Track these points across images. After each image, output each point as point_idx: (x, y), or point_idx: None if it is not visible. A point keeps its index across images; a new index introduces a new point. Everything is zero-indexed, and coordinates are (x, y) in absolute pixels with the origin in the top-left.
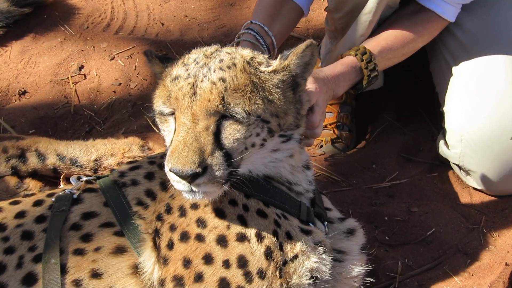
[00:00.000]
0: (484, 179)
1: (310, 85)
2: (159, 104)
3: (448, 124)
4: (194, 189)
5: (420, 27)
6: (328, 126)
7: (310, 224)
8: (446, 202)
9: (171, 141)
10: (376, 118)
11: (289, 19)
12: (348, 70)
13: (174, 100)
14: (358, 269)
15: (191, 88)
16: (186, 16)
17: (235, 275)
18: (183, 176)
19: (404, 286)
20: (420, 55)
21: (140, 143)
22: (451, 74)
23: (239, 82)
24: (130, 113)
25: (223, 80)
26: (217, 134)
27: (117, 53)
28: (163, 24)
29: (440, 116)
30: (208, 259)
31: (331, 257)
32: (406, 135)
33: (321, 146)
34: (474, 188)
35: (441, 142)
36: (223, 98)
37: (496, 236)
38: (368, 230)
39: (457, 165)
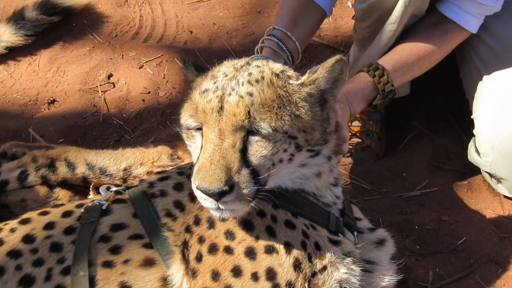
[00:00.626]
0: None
1: None
2: (186, 117)
3: (479, 131)
4: (221, 206)
5: (438, 39)
6: (357, 134)
7: (339, 234)
8: (477, 211)
9: (198, 157)
10: (405, 126)
11: (312, 22)
12: (360, 86)
13: (201, 113)
14: (388, 279)
15: (219, 102)
16: (215, 23)
17: (263, 287)
18: (210, 194)
19: None
20: (449, 62)
21: (169, 152)
22: (482, 82)
23: (266, 96)
24: (159, 122)
25: (250, 94)
26: (243, 151)
27: (146, 62)
28: (191, 32)
29: (470, 124)
30: (236, 271)
31: (361, 268)
32: (436, 143)
33: (351, 154)
34: (505, 196)
35: (472, 150)
36: (249, 112)
37: None
38: (398, 239)
39: (488, 173)
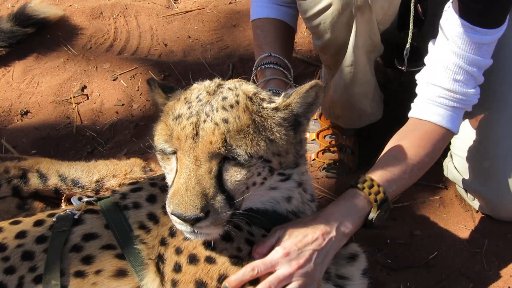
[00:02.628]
0: (493, 205)
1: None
2: (160, 142)
3: (457, 151)
4: (196, 230)
5: (420, 142)
6: (330, 148)
7: None
8: (449, 226)
9: (173, 181)
10: (379, 140)
11: (291, 43)
12: (351, 203)
13: (176, 140)
14: None
15: (193, 129)
16: (189, 37)
17: None
18: (185, 220)
19: None
20: None
21: (142, 164)
22: None
23: (241, 122)
24: (132, 134)
25: (225, 121)
26: (219, 176)
27: (120, 74)
28: (166, 45)
29: None
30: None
31: (333, 284)
32: None
33: (324, 168)
34: (477, 212)
35: (450, 166)
36: (225, 140)
37: (499, 260)
38: (370, 254)
39: (465, 189)
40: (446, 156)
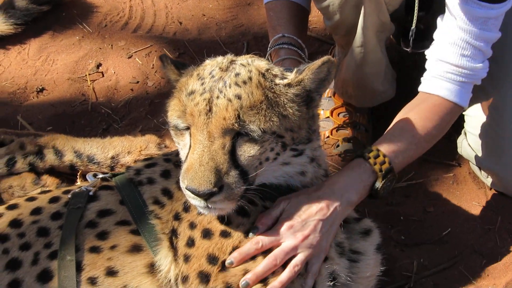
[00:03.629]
0: (507, 182)
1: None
2: (173, 118)
3: (471, 128)
4: (210, 205)
5: (429, 115)
6: (344, 125)
7: None
8: (462, 203)
9: (187, 156)
10: (392, 118)
11: (305, 24)
12: (356, 172)
13: (189, 116)
14: (372, 269)
15: (206, 105)
16: (204, 15)
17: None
18: (199, 195)
19: (419, 285)
20: None
21: (157, 141)
22: None
23: (254, 98)
24: (147, 111)
25: (238, 97)
26: (232, 152)
27: (135, 52)
28: (181, 23)
29: (459, 118)
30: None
31: (347, 258)
32: None
33: (338, 146)
34: (490, 189)
35: (464, 143)
36: (238, 116)
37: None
38: (383, 230)
39: (479, 167)
40: (460, 133)
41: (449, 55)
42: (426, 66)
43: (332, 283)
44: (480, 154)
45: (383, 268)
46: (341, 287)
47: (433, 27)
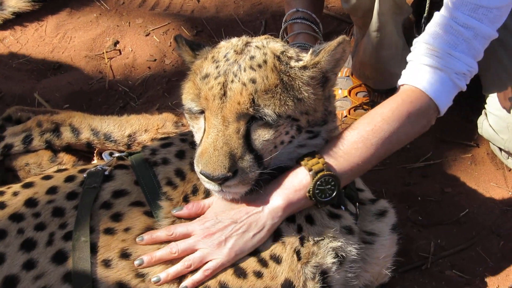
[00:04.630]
0: None
1: None
2: (188, 101)
3: (493, 109)
4: (224, 189)
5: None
6: (362, 105)
7: (342, 207)
8: (480, 184)
9: (201, 140)
10: None
11: (322, 1)
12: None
13: (204, 100)
14: (387, 250)
15: (221, 89)
16: None
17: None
18: (213, 179)
19: (436, 266)
20: None
21: (174, 119)
22: (494, 57)
23: (269, 82)
24: (164, 89)
25: (253, 81)
26: (247, 136)
27: (153, 29)
28: (198, 1)
29: (479, 98)
30: None
31: (358, 239)
32: (441, 116)
33: None
34: (510, 170)
35: (485, 124)
36: (253, 100)
37: None
38: (401, 210)
39: (499, 148)
40: (480, 114)
41: (426, 36)
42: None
43: (336, 259)
44: (501, 135)
45: (399, 248)
46: (351, 264)
47: None
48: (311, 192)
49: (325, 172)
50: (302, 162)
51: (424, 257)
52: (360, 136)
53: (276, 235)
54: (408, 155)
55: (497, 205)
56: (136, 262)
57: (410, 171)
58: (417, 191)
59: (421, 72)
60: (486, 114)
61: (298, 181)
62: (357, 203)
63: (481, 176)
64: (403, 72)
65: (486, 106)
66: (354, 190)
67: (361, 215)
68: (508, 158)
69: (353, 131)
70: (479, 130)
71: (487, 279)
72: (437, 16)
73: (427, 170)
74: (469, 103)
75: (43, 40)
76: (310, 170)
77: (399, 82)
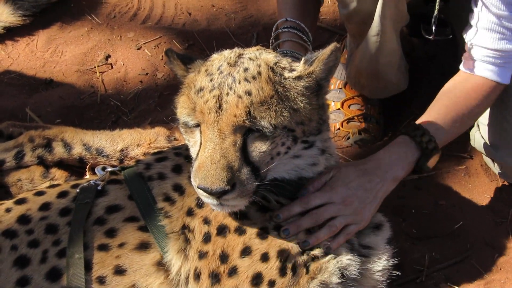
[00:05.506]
0: None
1: None
2: (183, 115)
3: (483, 119)
4: (223, 203)
5: (473, 94)
6: (355, 118)
7: None
8: (474, 195)
9: (197, 154)
10: (403, 110)
11: (314, 12)
12: (402, 150)
13: (199, 113)
14: (383, 263)
15: (216, 102)
16: (213, 6)
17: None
18: (212, 194)
19: (431, 279)
20: (451, 44)
21: (166, 133)
22: None
23: (265, 94)
24: (156, 103)
25: (248, 93)
26: (243, 149)
27: (144, 43)
28: (190, 14)
29: None
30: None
31: (357, 254)
32: None
33: (348, 138)
34: (503, 181)
35: (477, 135)
36: (249, 112)
37: None
38: (395, 223)
39: (492, 159)
40: (473, 126)
41: (486, 40)
42: (466, 48)
43: (341, 280)
44: (493, 146)
45: (394, 262)
46: (352, 282)
47: (452, 15)
48: (424, 166)
49: (438, 150)
50: (416, 138)
51: (418, 270)
52: (457, 117)
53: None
54: None
55: (491, 217)
56: (284, 235)
57: (403, 184)
58: (411, 203)
59: (492, 67)
60: (478, 125)
61: (411, 154)
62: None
63: (475, 188)
64: (473, 63)
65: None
66: None
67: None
68: (501, 169)
69: (450, 111)
70: (472, 142)
71: None
72: (486, 20)
73: (420, 182)
74: None
75: (35, 54)
76: (426, 148)
77: (471, 70)
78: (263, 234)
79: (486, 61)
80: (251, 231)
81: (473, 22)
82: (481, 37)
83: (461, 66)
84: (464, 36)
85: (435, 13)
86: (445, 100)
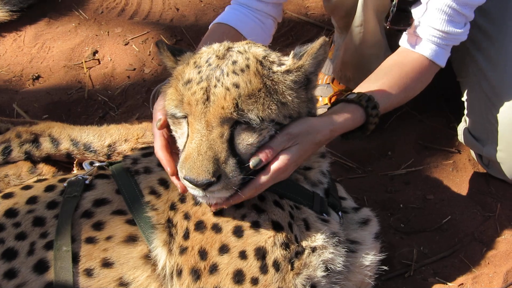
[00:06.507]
0: (507, 169)
1: None
2: (170, 107)
3: (473, 116)
4: (208, 195)
5: (411, 74)
6: None
7: (324, 214)
8: (462, 190)
9: (184, 145)
10: None
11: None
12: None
13: (187, 105)
14: (371, 258)
15: (204, 94)
16: (201, 1)
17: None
18: (197, 185)
19: (419, 274)
20: None
21: None
22: (473, 64)
23: (252, 87)
24: (144, 99)
25: (236, 85)
26: (230, 141)
27: (132, 38)
28: (178, 9)
29: (459, 105)
30: (224, 249)
31: (345, 249)
32: (423, 123)
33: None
34: (491, 176)
35: (465, 131)
36: (237, 104)
37: None
38: (383, 218)
39: (479, 154)
40: (460, 121)
41: (435, 21)
42: (413, 24)
43: (326, 273)
44: (480, 141)
45: (382, 257)
46: (337, 275)
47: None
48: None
49: (378, 110)
50: (354, 98)
51: (407, 265)
52: (393, 90)
53: (283, 245)
54: (390, 162)
55: (479, 211)
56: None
57: (392, 178)
58: (399, 198)
59: (434, 47)
60: (465, 121)
61: (351, 110)
62: (340, 212)
63: (463, 183)
64: (417, 40)
65: (465, 112)
66: (337, 199)
67: (345, 223)
68: (488, 163)
69: (386, 82)
70: (459, 137)
71: (470, 286)
72: (438, 1)
73: (409, 177)
74: (450, 109)
75: (22, 50)
76: (366, 106)
77: (413, 47)
78: (238, 232)
79: (431, 41)
80: (227, 229)
81: (423, 0)
82: (430, 16)
83: (401, 41)
84: (413, 13)
85: (394, 2)
86: (383, 76)
